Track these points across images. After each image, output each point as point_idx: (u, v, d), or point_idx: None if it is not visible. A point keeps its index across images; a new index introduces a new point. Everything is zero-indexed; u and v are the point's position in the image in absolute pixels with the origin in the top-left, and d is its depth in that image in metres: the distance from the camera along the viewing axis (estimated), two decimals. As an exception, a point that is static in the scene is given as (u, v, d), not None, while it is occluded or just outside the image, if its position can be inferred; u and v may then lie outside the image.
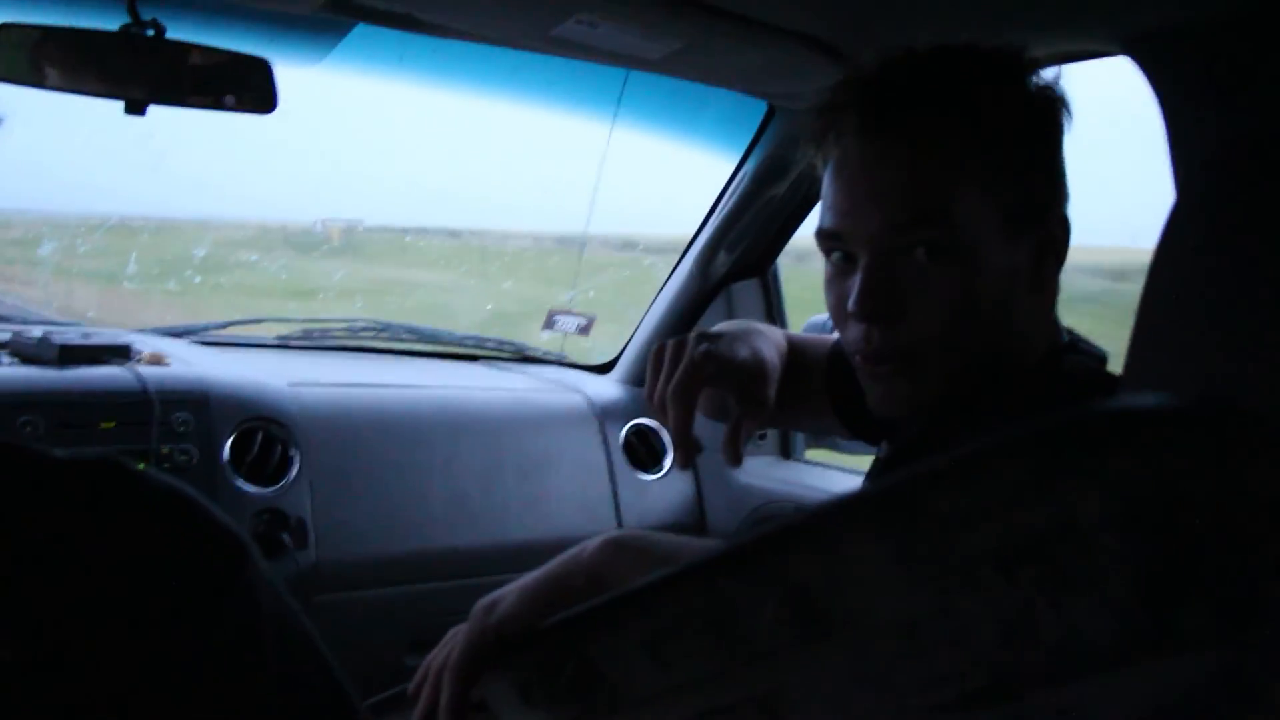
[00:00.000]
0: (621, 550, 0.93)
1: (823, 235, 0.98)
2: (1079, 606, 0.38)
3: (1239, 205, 0.49)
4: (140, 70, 1.41)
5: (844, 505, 0.43)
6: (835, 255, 0.98)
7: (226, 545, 0.58)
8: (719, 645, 0.52)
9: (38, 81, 1.39)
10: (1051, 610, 0.39)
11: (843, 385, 1.19)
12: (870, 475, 1.16)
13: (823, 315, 2.45)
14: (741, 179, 2.04)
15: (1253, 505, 0.33)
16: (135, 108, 1.42)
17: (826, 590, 0.46)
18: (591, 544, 0.94)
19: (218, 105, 1.47)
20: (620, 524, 2.10)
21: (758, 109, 1.95)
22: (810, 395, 1.23)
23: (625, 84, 2.01)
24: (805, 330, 2.37)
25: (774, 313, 2.24)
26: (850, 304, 0.94)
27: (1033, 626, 0.39)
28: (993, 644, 0.41)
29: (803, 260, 2.23)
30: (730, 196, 2.07)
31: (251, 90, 1.49)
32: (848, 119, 0.95)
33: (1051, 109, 0.96)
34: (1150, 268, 0.49)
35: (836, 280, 0.99)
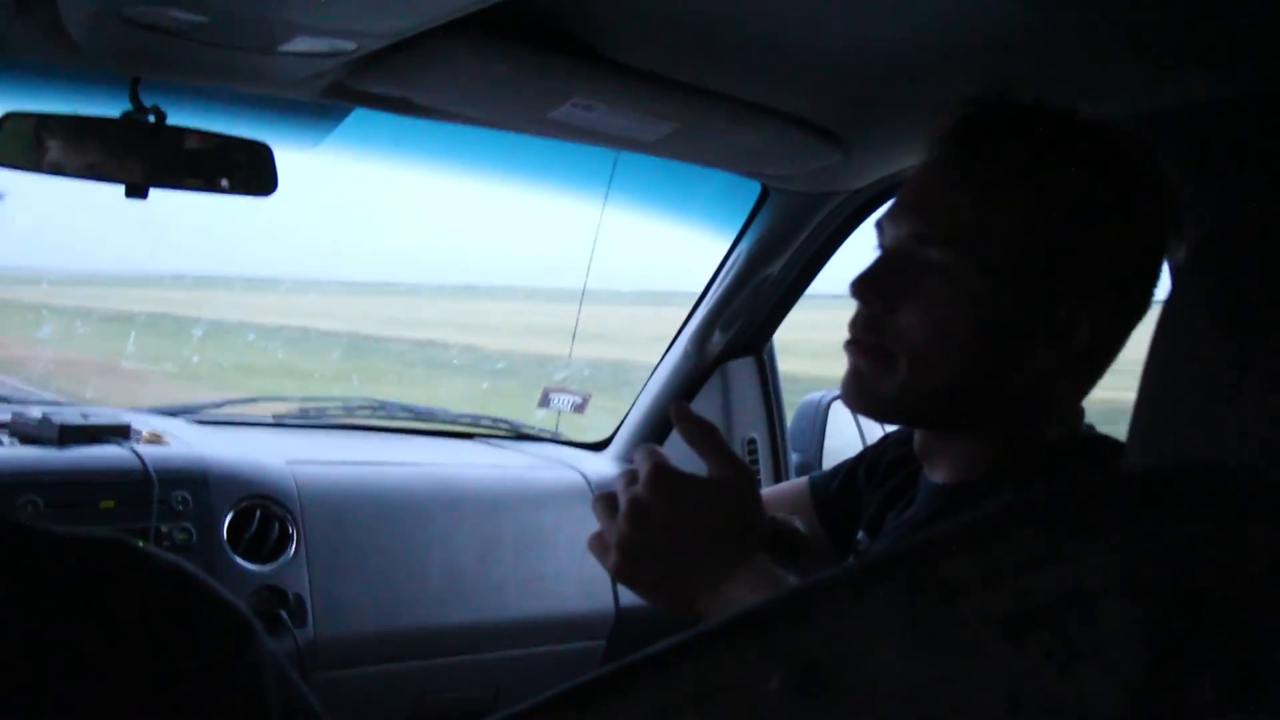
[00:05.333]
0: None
1: (877, 225, 1.03)
2: (1088, 674, 0.38)
3: (1242, 278, 0.50)
4: (141, 154, 1.43)
5: (853, 571, 0.43)
6: (878, 250, 1.02)
7: (232, 623, 0.58)
8: (727, 717, 0.52)
9: (40, 168, 1.41)
10: (1060, 678, 0.39)
11: (829, 504, 1.23)
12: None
13: (818, 394, 2.47)
14: (736, 258, 2.06)
15: (1258, 570, 0.33)
16: (136, 191, 1.44)
17: (833, 658, 0.46)
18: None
19: (217, 188, 1.50)
20: (617, 601, 2.09)
21: (752, 188, 1.98)
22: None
23: (616, 164, 2.03)
24: (800, 408, 2.39)
25: (769, 390, 2.25)
26: (852, 284, 0.99)
27: (1041, 695, 0.40)
28: (1000, 713, 0.41)
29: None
30: (725, 276, 2.09)
31: (251, 173, 1.51)
32: (938, 132, 1.00)
33: (1120, 193, 0.95)
34: (1153, 339, 0.50)
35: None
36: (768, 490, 1.27)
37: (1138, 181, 0.96)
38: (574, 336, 2.72)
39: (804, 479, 1.32)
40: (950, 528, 0.40)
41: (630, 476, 0.93)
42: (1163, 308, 0.53)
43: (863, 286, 0.98)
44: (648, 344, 2.32)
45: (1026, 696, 0.40)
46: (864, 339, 0.99)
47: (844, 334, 1.01)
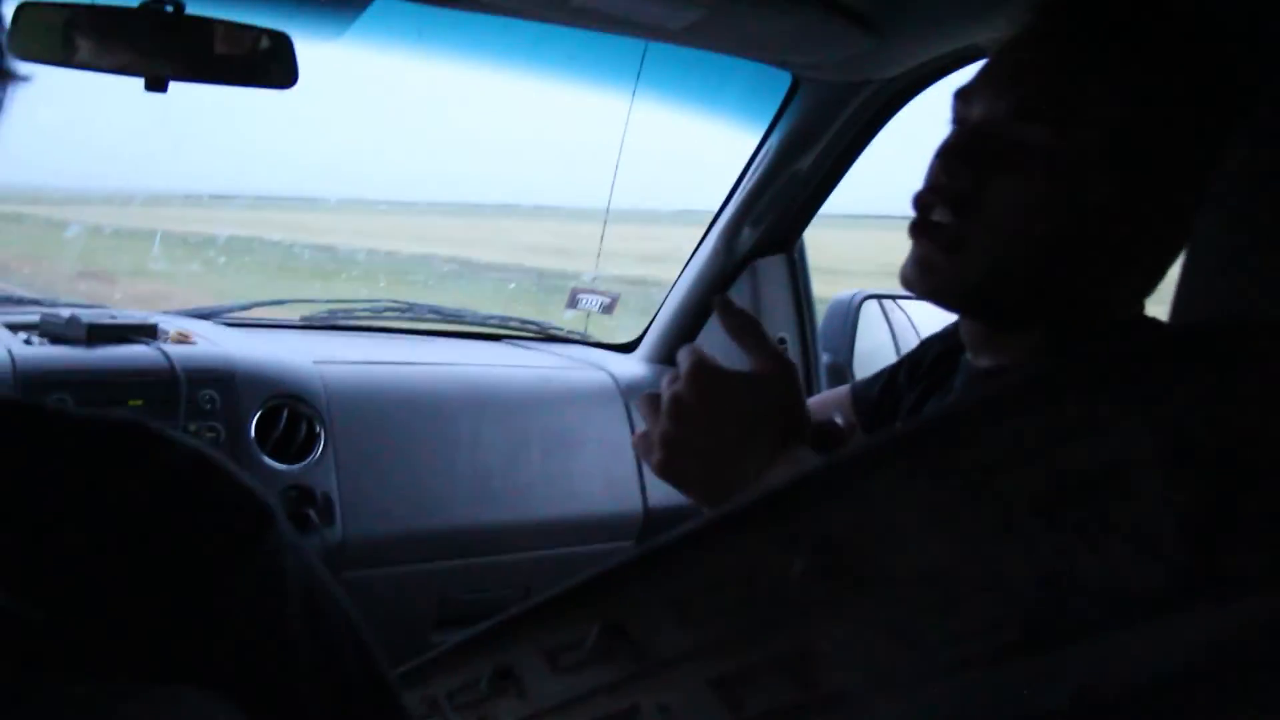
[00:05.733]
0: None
1: (958, 96, 0.96)
2: (1122, 551, 0.36)
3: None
4: (161, 46, 1.41)
5: (872, 451, 0.41)
6: (956, 124, 0.95)
7: (251, 507, 0.57)
8: (747, 603, 0.51)
9: (60, 60, 1.39)
10: (1092, 556, 0.37)
11: (872, 408, 1.20)
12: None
13: (849, 291, 2.43)
14: (766, 153, 2.02)
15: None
16: (156, 84, 1.42)
17: (856, 541, 0.44)
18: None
19: (239, 80, 1.47)
20: (645, 501, 2.10)
21: (782, 81, 1.92)
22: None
23: (644, 57, 1.99)
24: (830, 306, 2.36)
25: (799, 288, 2.22)
26: (936, 155, 0.91)
27: (1072, 574, 0.38)
28: (1029, 593, 0.40)
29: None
30: (754, 171, 2.05)
31: (272, 65, 1.48)
32: (1039, 6, 0.93)
33: (1228, 115, 0.88)
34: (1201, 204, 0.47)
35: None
36: (811, 400, 1.25)
37: (1232, 70, 0.91)
38: (599, 254, 2.70)
39: (846, 386, 1.31)
40: (976, 401, 0.37)
41: (674, 376, 0.92)
42: (1213, 175, 0.50)
43: (951, 159, 0.91)
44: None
45: (1057, 575, 0.39)
46: (941, 219, 0.92)
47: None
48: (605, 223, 2.61)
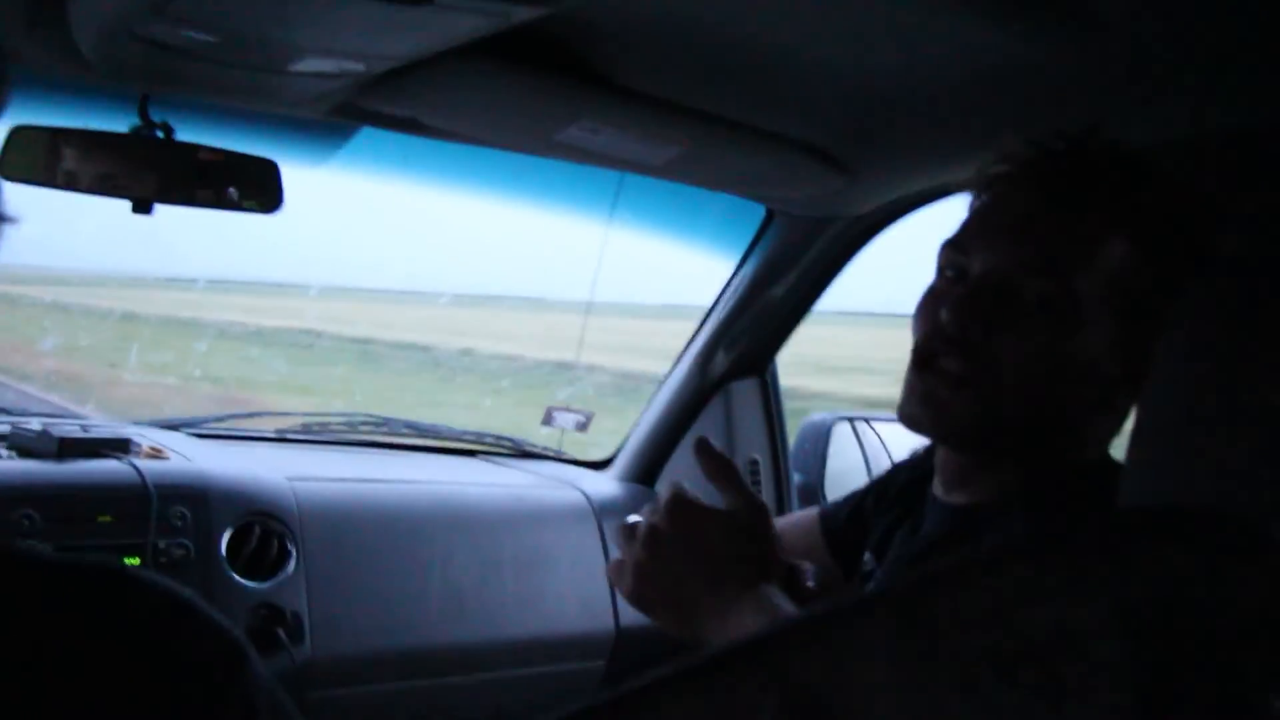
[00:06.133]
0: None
1: (948, 248, 1.01)
2: (1078, 713, 0.38)
3: (1232, 313, 0.50)
4: (149, 169, 1.44)
5: (851, 604, 0.43)
6: (950, 271, 1.00)
7: (225, 648, 0.58)
8: (721, 747, 0.52)
9: (47, 181, 1.42)
10: (1051, 716, 0.39)
11: (839, 534, 1.23)
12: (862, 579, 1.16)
13: (820, 415, 2.46)
14: (740, 280, 2.06)
15: (1245, 612, 0.33)
16: (142, 206, 1.45)
17: (826, 690, 0.46)
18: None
19: (224, 205, 1.50)
20: (618, 621, 2.08)
21: (756, 212, 1.98)
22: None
23: (621, 185, 2.04)
24: (802, 428, 2.39)
25: (771, 410, 2.25)
26: (946, 307, 0.96)
27: (1031, 732, 0.40)
28: (992, 752, 0.41)
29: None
30: (729, 296, 2.10)
31: (258, 189, 1.52)
32: (1027, 162, 0.99)
33: (1200, 237, 0.96)
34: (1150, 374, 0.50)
35: (937, 294, 1.00)
36: (780, 520, 1.27)
37: (1203, 217, 0.97)
38: (580, 343, 2.72)
39: (815, 509, 1.33)
40: (946, 564, 0.40)
41: (653, 507, 0.97)
42: (1160, 343, 0.53)
43: (963, 311, 0.96)
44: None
45: (1018, 733, 0.40)
46: (949, 365, 0.97)
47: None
48: (588, 311, 2.65)
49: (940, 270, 1.02)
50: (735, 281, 2.08)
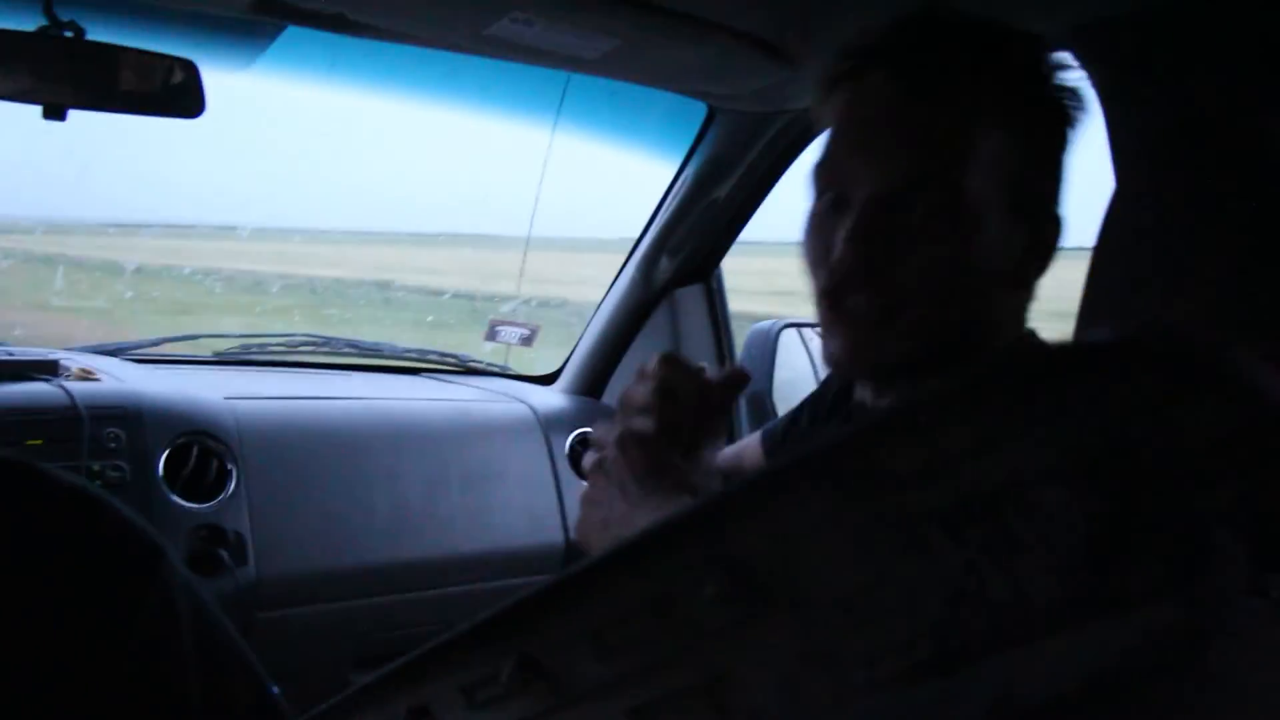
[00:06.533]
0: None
1: (821, 171, 0.95)
2: (1024, 566, 0.36)
3: (1176, 190, 0.48)
4: (60, 73, 1.37)
5: (783, 469, 0.41)
6: (827, 196, 0.94)
7: (139, 546, 0.56)
8: (661, 630, 0.50)
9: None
10: (997, 571, 0.37)
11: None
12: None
13: (768, 323, 2.45)
14: (683, 183, 2.03)
15: (1199, 446, 0.31)
16: (54, 112, 1.38)
17: (768, 562, 0.44)
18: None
19: (143, 109, 1.44)
20: (567, 534, 2.08)
21: (698, 111, 1.94)
22: None
23: (566, 88, 1.99)
24: (750, 336, 2.37)
25: (718, 317, 2.23)
26: (837, 248, 0.91)
27: (979, 589, 0.38)
28: (938, 610, 0.40)
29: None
30: (672, 200, 2.06)
31: (179, 94, 1.45)
32: (875, 62, 0.92)
33: (1072, 107, 0.94)
34: (1093, 256, 0.48)
35: (822, 222, 0.94)
36: (727, 450, 1.25)
37: (1074, 96, 0.94)
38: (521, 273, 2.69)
39: (756, 434, 1.32)
40: (880, 419, 0.37)
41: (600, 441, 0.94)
42: (1100, 226, 0.51)
43: (859, 245, 0.90)
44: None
45: (966, 593, 0.39)
46: (860, 303, 0.91)
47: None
48: (527, 244, 2.61)
49: (818, 195, 0.96)
50: (678, 185, 2.04)
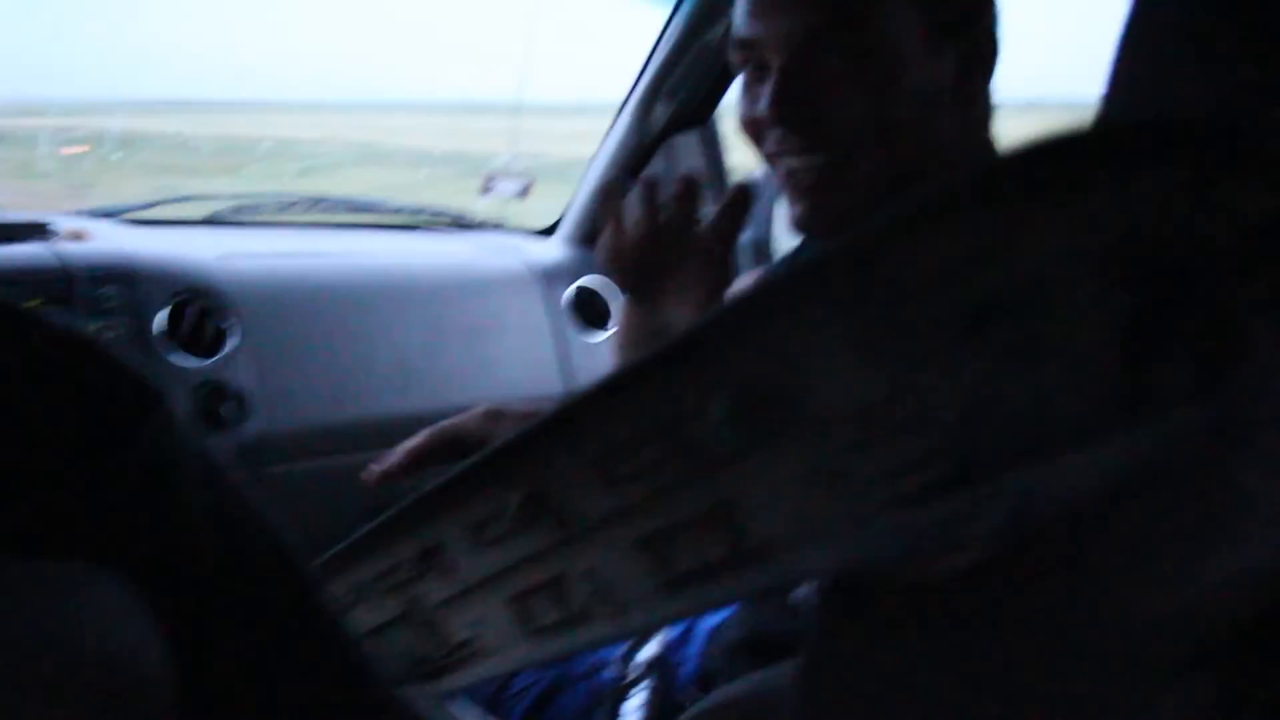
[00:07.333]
0: (502, 420, 1.02)
1: (737, 44, 0.94)
2: (1049, 371, 0.35)
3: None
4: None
5: (786, 279, 0.39)
6: (749, 66, 0.94)
7: (131, 387, 0.54)
8: (668, 456, 0.50)
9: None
10: (1019, 378, 0.35)
11: None
12: None
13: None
14: (677, 23, 1.96)
15: (1240, 232, 0.30)
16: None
17: (776, 382, 0.43)
18: (474, 413, 1.04)
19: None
20: (567, 385, 2.08)
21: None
22: None
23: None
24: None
25: (716, 164, 2.19)
26: (768, 112, 0.91)
27: (999, 399, 0.36)
28: (955, 424, 0.38)
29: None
30: (665, 43, 2.00)
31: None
32: None
33: None
34: (1118, 46, 0.45)
35: (749, 91, 0.95)
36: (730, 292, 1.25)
37: None
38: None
39: (760, 274, 1.32)
40: (891, 219, 0.35)
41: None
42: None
43: (786, 107, 0.90)
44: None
45: (986, 404, 0.37)
46: (803, 166, 0.91)
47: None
48: (519, 104, 2.55)
49: (741, 68, 0.95)
50: (670, 26, 1.98)
